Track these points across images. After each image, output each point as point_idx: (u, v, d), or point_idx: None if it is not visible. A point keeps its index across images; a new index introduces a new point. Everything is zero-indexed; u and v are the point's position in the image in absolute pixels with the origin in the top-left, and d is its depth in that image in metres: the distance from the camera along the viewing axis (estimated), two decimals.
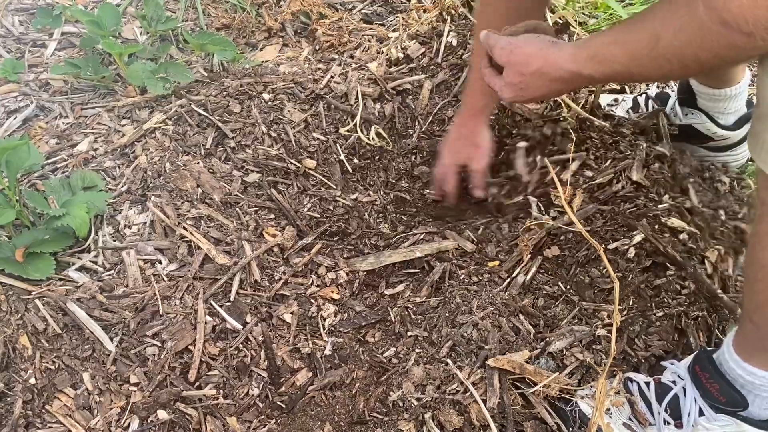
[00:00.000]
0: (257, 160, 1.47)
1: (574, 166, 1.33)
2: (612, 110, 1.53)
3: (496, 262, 1.30)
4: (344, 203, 1.48)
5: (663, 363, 1.09)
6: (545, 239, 1.28)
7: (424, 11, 1.84)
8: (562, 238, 1.27)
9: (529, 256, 1.26)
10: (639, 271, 1.19)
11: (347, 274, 1.36)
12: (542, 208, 1.32)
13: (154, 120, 1.52)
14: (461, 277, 1.29)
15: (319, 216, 1.44)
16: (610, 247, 1.21)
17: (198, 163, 1.44)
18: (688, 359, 1.05)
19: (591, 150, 1.37)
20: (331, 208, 1.47)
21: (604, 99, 1.58)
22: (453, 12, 1.79)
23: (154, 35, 1.78)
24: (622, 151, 1.35)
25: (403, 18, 1.85)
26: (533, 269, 1.26)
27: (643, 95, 1.57)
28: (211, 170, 1.44)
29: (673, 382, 1.05)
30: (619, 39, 0.86)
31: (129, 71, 1.57)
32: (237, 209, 1.40)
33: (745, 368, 0.95)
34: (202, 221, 1.35)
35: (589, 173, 1.33)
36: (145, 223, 1.37)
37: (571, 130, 1.38)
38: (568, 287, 1.22)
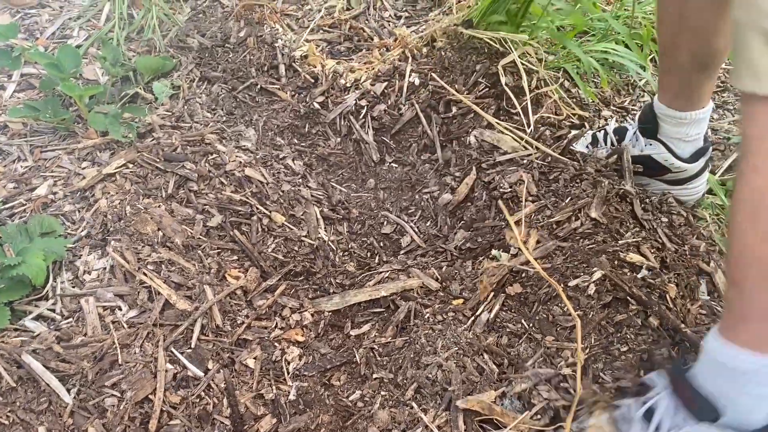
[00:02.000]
0: (220, 203, 1.46)
1: (528, 209, 1.35)
2: (572, 146, 1.56)
3: (461, 300, 1.30)
4: (309, 242, 1.48)
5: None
6: (507, 276, 1.28)
7: (387, 49, 1.86)
8: (523, 275, 1.28)
9: (491, 293, 1.27)
10: (600, 308, 1.20)
11: (312, 315, 1.35)
12: (500, 249, 1.33)
13: (115, 164, 1.51)
14: (426, 316, 1.29)
15: (283, 257, 1.43)
16: (570, 284, 1.22)
17: (159, 206, 1.43)
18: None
19: (555, 190, 1.39)
20: (296, 248, 1.46)
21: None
22: (415, 51, 1.81)
23: (114, 76, 1.77)
24: (584, 188, 1.37)
25: (366, 56, 1.87)
26: (496, 307, 1.26)
27: (602, 131, 1.59)
28: (172, 214, 1.42)
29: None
30: None
31: (91, 117, 1.55)
32: (199, 252, 1.38)
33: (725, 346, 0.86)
34: (163, 265, 1.33)
35: (548, 211, 1.34)
36: (105, 268, 1.34)
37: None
38: (531, 325, 1.23)
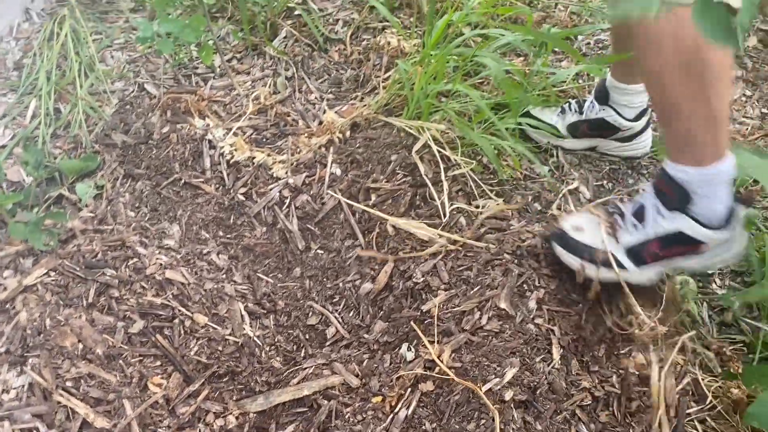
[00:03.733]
0: (142, 308, 1.47)
1: (439, 299, 1.39)
2: (541, 116, 1.86)
3: (379, 398, 1.32)
4: (234, 340, 1.49)
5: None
6: (421, 374, 1.31)
7: (311, 136, 1.91)
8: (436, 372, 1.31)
9: (408, 389, 1.30)
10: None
11: (237, 417, 1.36)
12: (413, 349, 1.36)
13: (36, 273, 1.51)
14: (347, 416, 1.31)
15: (207, 359, 1.44)
16: (485, 388, 1.24)
17: (80, 316, 1.43)
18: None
19: (466, 278, 1.43)
20: (220, 348, 1.47)
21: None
22: (340, 136, 1.86)
23: (38, 178, 1.78)
24: (494, 277, 1.42)
25: (293, 142, 1.91)
26: (413, 404, 1.29)
27: (567, 103, 1.89)
28: (93, 323, 1.43)
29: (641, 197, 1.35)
30: None
31: (11, 227, 1.56)
32: (120, 362, 1.39)
33: (677, 168, 1.22)
34: (82, 380, 1.34)
35: (456, 300, 1.39)
36: (23, 386, 1.34)
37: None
38: (449, 421, 1.25)
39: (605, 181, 1.92)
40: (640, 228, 1.33)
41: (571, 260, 1.40)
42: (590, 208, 1.48)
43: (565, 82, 2.06)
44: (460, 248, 1.50)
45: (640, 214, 1.34)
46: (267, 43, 2.29)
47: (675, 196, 1.25)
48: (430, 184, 1.63)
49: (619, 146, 1.87)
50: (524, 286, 1.41)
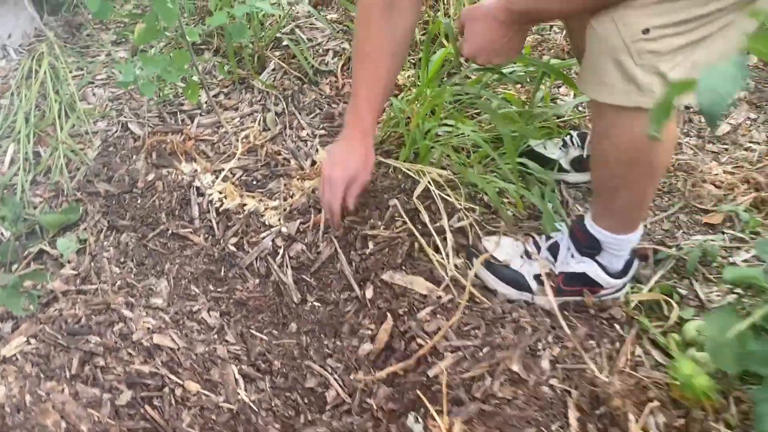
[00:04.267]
0: (129, 377, 1.38)
1: (446, 363, 1.31)
2: (544, 152, 1.83)
3: None
4: (228, 407, 1.40)
5: (555, 224, 1.58)
6: None
7: (304, 179, 1.82)
8: None
9: None
10: None
11: None
12: (421, 420, 1.27)
13: (15, 342, 1.42)
14: None
15: (200, 430, 1.35)
16: None
17: (63, 390, 1.34)
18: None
19: (474, 337, 1.35)
20: (213, 417, 1.38)
21: None
22: None
23: (17, 233, 1.69)
24: (505, 336, 1.34)
25: (286, 185, 1.83)
26: None
27: (568, 135, 1.85)
28: (76, 397, 1.33)
29: (557, 237, 1.51)
30: None
31: None
32: None
33: (596, 228, 1.38)
34: None
35: (465, 364, 1.30)
36: None
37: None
38: None
39: None
40: (551, 262, 1.48)
41: (494, 283, 1.50)
42: (514, 233, 1.61)
43: (564, 115, 1.99)
44: (466, 302, 1.42)
45: (553, 251, 1.50)
46: (255, 77, 2.20)
47: (587, 245, 1.42)
48: (434, 233, 1.55)
49: None
50: (537, 344, 1.33)
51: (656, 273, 1.66)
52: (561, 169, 1.85)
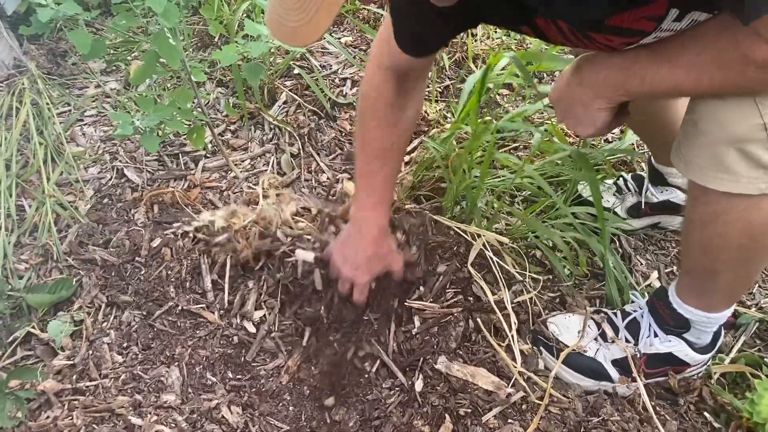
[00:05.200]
0: None
1: None
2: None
3: None
4: None
5: (630, 293, 1.42)
6: None
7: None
8: None
9: None
10: None
11: None
12: None
13: None
14: None
15: None
16: None
17: None
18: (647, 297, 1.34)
19: None
20: None
21: None
22: None
23: (1, 312, 1.45)
24: None
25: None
26: None
27: (620, 178, 1.68)
28: None
29: (634, 311, 1.33)
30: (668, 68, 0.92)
31: None
32: None
33: (684, 306, 1.21)
34: None
35: None
36: None
37: None
38: None
39: (675, 267, 1.65)
40: (632, 343, 1.30)
41: (568, 375, 1.30)
42: (583, 310, 1.39)
43: (616, 154, 1.77)
44: (542, 402, 1.20)
45: (632, 329, 1.31)
46: (264, 111, 1.96)
47: (673, 323, 1.25)
48: (495, 309, 1.32)
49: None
50: None
51: (737, 339, 1.47)
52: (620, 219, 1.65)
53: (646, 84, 0.94)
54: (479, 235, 1.40)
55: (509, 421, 1.17)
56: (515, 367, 1.24)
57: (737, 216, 0.99)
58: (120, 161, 1.89)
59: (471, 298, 1.38)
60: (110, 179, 1.84)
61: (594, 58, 1.01)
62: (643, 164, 1.78)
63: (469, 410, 1.21)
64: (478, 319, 1.33)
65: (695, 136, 0.97)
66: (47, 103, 2.00)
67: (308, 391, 1.36)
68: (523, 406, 1.19)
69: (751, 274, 1.13)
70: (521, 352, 1.28)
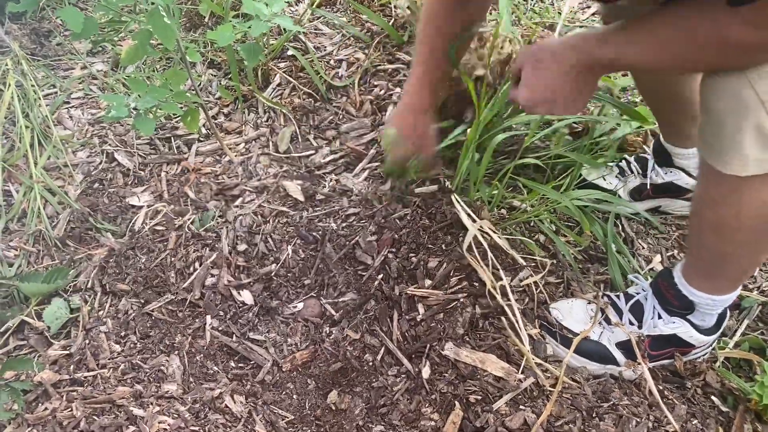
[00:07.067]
0: None
1: None
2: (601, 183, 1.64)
3: None
4: None
5: (629, 277, 1.42)
6: None
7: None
8: None
9: None
10: None
11: None
12: None
13: None
14: None
15: None
16: None
17: None
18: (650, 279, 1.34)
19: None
20: None
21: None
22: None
23: None
24: (606, 429, 1.11)
25: None
26: None
27: (623, 161, 1.67)
28: None
29: (637, 293, 1.32)
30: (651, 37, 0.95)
31: None
32: None
33: (690, 289, 1.21)
34: None
35: None
36: None
37: None
38: None
39: (676, 251, 1.64)
40: (635, 326, 1.29)
41: (574, 359, 1.29)
42: (587, 295, 1.39)
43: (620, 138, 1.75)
44: (551, 387, 1.19)
45: (636, 312, 1.31)
46: (258, 93, 1.92)
47: (678, 304, 1.25)
48: (497, 295, 1.31)
49: (687, 205, 1.65)
50: None
51: (740, 323, 1.47)
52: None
53: (620, 54, 0.99)
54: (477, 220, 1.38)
55: (521, 407, 1.16)
56: (529, 353, 1.22)
57: (751, 196, 0.99)
58: (110, 145, 1.83)
59: (476, 284, 1.36)
60: (100, 163, 1.79)
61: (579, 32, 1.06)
62: (645, 146, 1.77)
63: (480, 397, 1.20)
64: (485, 305, 1.31)
65: (713, 121, 0.97)
66: (32, 85, 1.93)
67: (312, 380, 1.34)
68: (534, 393, 1.18)
69: (761, 257, 1.14)
70: (529, 337, 1.27)
